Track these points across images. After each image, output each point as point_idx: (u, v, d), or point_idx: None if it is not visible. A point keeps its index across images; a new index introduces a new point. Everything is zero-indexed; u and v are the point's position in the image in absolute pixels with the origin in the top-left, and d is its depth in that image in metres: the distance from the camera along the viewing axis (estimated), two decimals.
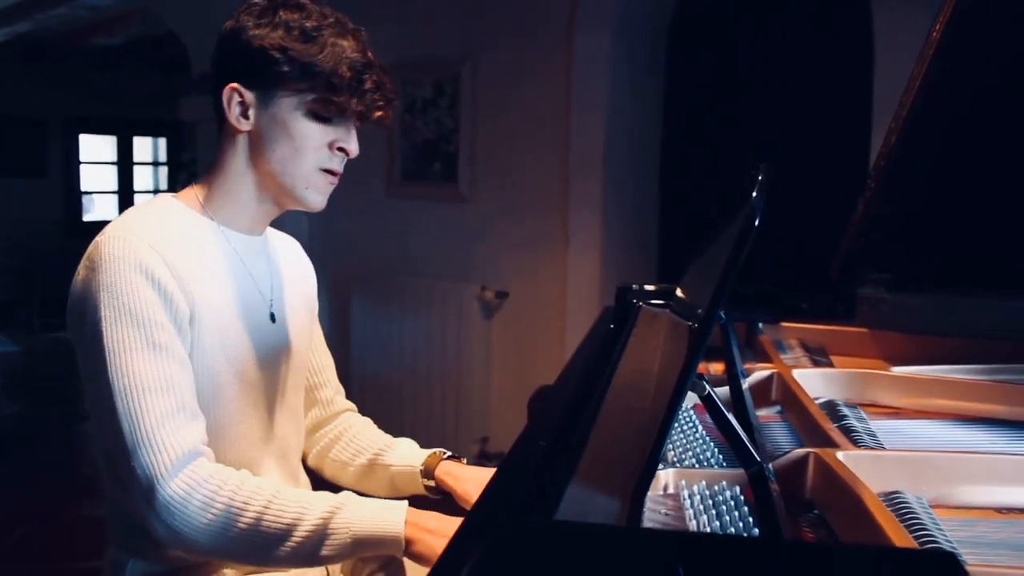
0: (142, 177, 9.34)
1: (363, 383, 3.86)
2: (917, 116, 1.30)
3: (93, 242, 1.21)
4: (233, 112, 1.25)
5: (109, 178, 9.11)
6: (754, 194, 0.65)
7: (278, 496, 1.15)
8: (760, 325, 1.76)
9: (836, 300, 1.85)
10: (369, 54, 1.26)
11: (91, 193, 9.02)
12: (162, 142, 9.32)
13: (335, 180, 1.30)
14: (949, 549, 0.77)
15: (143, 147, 9.28)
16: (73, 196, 8.73)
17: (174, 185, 8.53)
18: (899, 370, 1.44)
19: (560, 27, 3.37)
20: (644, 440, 0.83)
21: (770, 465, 0.85)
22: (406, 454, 1.47)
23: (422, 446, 1.50)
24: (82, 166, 8.82)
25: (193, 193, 1.32)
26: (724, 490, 0.97)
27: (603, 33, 3.28)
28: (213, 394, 1.24)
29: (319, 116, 1.24)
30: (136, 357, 1.14)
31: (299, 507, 1.14)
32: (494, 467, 1.47)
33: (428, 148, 3.80)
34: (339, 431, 1.53)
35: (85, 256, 1.21)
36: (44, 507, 3.86)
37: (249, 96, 1.24)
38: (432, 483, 1.42)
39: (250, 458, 1.30)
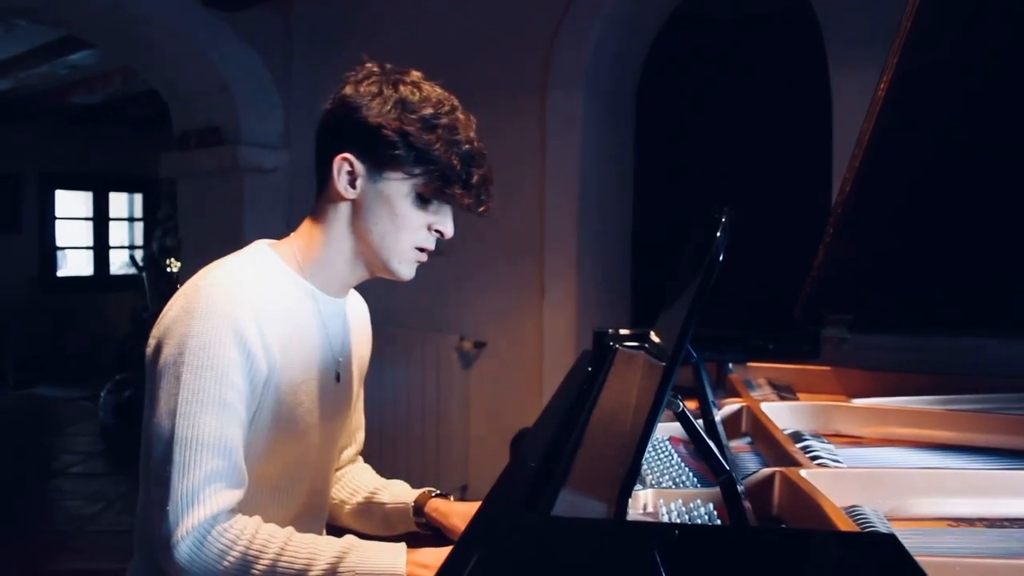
0: (117, 233, 9.36)
1: None
2: (868, 167, 1.42)
3: (193, 283, 1.23)
4: (342, 180, 1.28)
5: (84, 234, 9.13)
6: (718, 233, 0.74)
7: (290, 542, 1.19)
8: (730, 365, 1.85)
9: (800, 341, 1.95)
10: (479, 145, 1.29)
11: (66, 249, 9.02)
12: (138, 198, 9.36)
13: (426, 257, 1.34)
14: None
15: (119, 203, 9.32)
16: (48, 251, 8.72)
17: (149, 241, 8.51)
18: (859, 402, 1.53)
19: (533, 86, 3.50)
20: (624, 455, 0.92)
21: (740, 477, 0.93)
22: (399, 493, 1.54)
23: None
24: (57, 221, 8.83)
25: (292, 249, 1.35)
26: (699, 507, 1.05)
27: (575, 91, 3.42)
28: (268, 447, 1.28)
29: (424, 199, 1.28)
30: (205, 411, 1.16)
31: (310, 552, 1.18)
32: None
33: None
34: (339, 474, 1.61)
35: (182, 294, 1.23)
36: (20, 564, 3.83)
37: (359, 167, 1.27)
38: (423, 520, 1.49)
39: (287, 505, 1.35)
